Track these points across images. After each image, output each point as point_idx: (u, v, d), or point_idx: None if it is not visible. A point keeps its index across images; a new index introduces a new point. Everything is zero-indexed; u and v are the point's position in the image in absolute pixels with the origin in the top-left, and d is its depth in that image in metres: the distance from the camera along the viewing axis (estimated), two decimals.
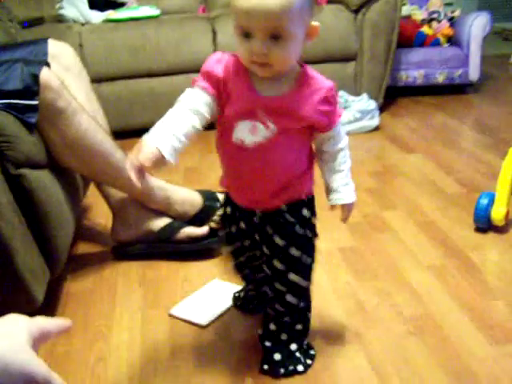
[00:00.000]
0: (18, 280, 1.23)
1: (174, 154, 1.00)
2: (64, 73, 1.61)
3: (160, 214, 1.73)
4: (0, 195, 1.20)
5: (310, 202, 1.19)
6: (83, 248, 1.85)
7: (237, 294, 1.48)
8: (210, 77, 1.05)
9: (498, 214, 1.74)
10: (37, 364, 0.77)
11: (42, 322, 0.84)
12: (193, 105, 1.04)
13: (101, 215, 2.01)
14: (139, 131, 3.15)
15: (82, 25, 2.88)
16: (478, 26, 3.23)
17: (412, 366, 1.24)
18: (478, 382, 1.18)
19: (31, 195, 1.31)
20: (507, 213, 1.75)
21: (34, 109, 1.36)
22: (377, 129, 2.82)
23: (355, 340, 1.33)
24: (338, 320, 1.41)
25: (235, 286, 1.51)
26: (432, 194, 2.09)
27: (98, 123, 1.59)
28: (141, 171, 0.99)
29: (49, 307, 1.49)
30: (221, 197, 1.75)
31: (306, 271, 1.22)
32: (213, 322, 1.42)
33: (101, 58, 2.75)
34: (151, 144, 0.98)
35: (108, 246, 1.80)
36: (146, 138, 1.00)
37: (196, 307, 1.47)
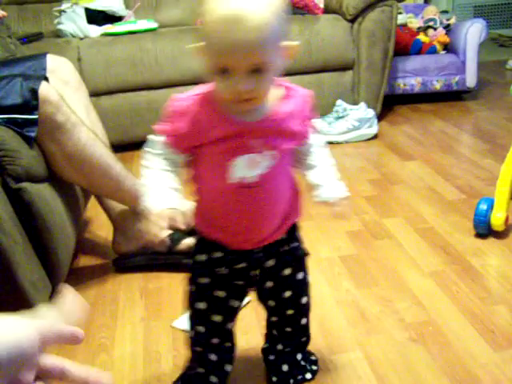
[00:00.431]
0: (20, 293, 1.23)
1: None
2: (63, 87, 1.63)
3: None
4: (0, 209, 1.20)
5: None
6: (84, 261, 1.85)
7: None
8: (172, 134, 0.98)
9: (497, 219, 1.74)
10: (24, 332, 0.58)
11: (53, 322, 0.65)
12: (168, 158, 1.00)
13: (102, 228, 2.01)
14: (138, 144, 3.15)
15: (81, 39, 2.90)
16: (473, 32, 3.25)
17: (414, 372, 1.24)
18: None
19: (32, 209, 1.32)
20: (506, 218, 1.75)
21: (33, 123, 1.37)
22: (375, 137, 2.83)
23: (357, 348, 1.33)
24: (339, 328, 1.41)
25: None
26: (431, 200, 2.10)
27: (97, 136, 1.59)
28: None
29: None
30: None
31: (309, 288, 1.21)
32: None
33: (99, 71, 2.76)
34: (168, 207, 0.97)
35: (109, 258, 1.80)
36: (156, 204, 0.98)
37: None
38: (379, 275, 1.63)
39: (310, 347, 1.29)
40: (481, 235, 1.79)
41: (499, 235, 1.78)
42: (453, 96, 3.40)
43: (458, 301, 1.48)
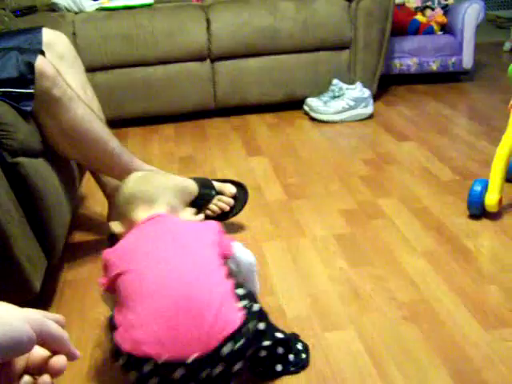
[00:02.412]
0: (16, 267, 1.23)
1: None
2: (58, 61, 1.61)
3: None
4: None
5: None
6: (80, 236, 1.85)
7: None
8: None
9: (491, 200, 1.75)
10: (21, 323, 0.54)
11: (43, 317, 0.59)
12: None
13: (97, 203, 2.01)
14: (133, 120, 3.14)
15: (76, 13, 2.87)
16: (471, 13, 3.24)
17: (407, 350, 1.25)
18: (472, 366, 1.20)
19: (28, 183, 1.32)
20: (500, 199, 1.76)
21: (29, 97, 1.36)
22: (371, 117, 2.83)
23: (350, 326, 1.35)
24: (333, 306, 1.42)
25: None
26: (426, 181, 2.10)
27: (93, 111, 1.59)
28: None
29: (46, 295, 1.50)
30: (216, 184, 1.75)
31: None
32: None
33: (94, 46, 2.74)
34: None
35: (104, 234, 1.80)
36: None
37: None
38: (373, 254, 1.64)
39: (304, 324, 1.30)
40: (474, 216, 1.80)
41: (492, 216, 1.79)
42: (449, 77, 3.40)
43: (451, 281, 1.49)
